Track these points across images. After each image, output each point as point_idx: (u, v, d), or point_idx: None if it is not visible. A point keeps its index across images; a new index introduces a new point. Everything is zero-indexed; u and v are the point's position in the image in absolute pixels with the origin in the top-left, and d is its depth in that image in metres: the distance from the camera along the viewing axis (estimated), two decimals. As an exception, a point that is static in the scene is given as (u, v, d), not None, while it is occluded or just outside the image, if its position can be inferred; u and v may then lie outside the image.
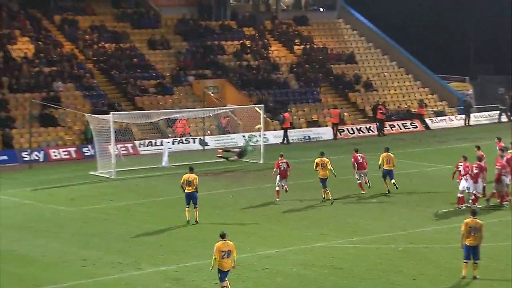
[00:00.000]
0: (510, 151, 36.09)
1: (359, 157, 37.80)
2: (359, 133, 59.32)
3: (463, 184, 33.84)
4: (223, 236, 23.17)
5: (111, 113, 44.65)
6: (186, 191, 31.99)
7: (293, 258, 27.37)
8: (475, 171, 33.83)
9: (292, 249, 28.44)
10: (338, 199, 36.37)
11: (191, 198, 31.99)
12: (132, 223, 32.52)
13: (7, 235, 30.93)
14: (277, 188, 36.39)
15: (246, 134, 49.02)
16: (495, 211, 33.67)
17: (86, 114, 47.70)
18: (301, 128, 58.78)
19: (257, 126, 47.14)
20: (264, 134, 49.57)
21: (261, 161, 46.25)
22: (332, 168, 35.83)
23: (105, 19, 62.23)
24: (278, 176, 36.24)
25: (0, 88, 52.86)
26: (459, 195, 34.06)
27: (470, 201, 33.84)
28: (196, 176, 32.23)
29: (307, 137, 57.37)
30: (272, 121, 57.47)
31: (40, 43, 57.49)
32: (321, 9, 74.25)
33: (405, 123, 61.87)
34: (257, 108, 49.40)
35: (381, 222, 32.31)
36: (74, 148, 50.05)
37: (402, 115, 62.85)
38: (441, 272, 25.74)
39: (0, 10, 58.25)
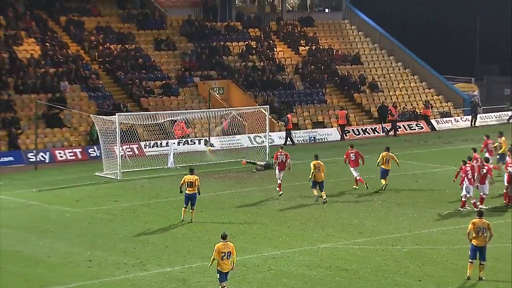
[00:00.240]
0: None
1: (351, 154, 38.10)
2: (365, 134, 59.29)
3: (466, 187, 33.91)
4: (224, 237, 23.17)
5: (117, 114, 44.69)
6: (187, 192, 32.08)
7: (298, 259, 27.37)
8: (483, 172, 33.81)
9: (297, 250, 28.44)
10: (340, 199, 36.43)
11: (190, 199, 32.12)
12: (137, 224, 32.54)
13: (12, 236, 30.97)
14: (278, 181, 36.83)
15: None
16: (502, 212, 33.64)
17: (91, 115, 47.75)
18: (306, 129, 58.78)
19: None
20: (270, 135, 49.64)
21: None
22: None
23: (110, 20, 62.27)
24: (277, 168, 36.55)
25: (6, 89, 52.92)
26: (463, 198, 34.10)
27: (468, 206, 33.92)
28: (197, 177, 32.32)
29: (313, 138, 57.35)
30: (278, 122, 57.47)
31: (46, 44, 57.53)
32: (326, 10, 74.20)
33: (411, 124, 61.83)
34: (262, 109, 49.40)
35: (386, 223, 32.29)
36: (80, 149, 50.09)
37: (407, 116, 62.82)
38: (447, 273, 25.72)
39: (6, 11, 58.32)
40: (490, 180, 34.30)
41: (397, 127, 59.82)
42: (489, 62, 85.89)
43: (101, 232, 31.35)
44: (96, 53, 58.97)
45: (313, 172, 35.46)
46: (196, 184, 32.03)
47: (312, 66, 64.63)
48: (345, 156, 38.56)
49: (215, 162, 46.53)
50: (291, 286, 24.72)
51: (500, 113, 66.87)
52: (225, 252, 22.91)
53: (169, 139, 50.17)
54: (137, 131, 49.50)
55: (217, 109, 51.63)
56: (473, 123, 63.58)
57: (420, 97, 66.50)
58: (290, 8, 73.63)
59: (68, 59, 56.82)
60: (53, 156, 48.88)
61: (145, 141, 51.23)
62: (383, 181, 38.01)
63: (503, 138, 41.21)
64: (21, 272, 26.42)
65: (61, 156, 49.16)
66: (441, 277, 25.39)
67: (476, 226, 24.89)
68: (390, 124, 59.63)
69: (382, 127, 60.07)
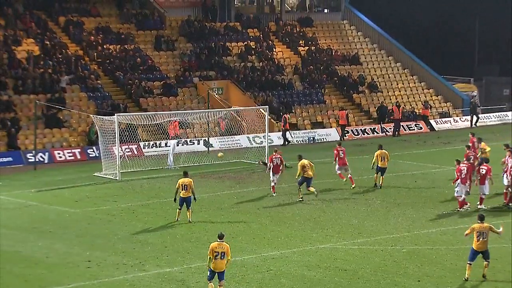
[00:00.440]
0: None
1: (340, 152, 38.26)
2: (364, 134, 59.30)
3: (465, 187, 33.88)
4: (220, 237, 23.28)
5: (116, 114, 44.70)
6: (182, 195, 32.12)
7: (297, 259, 27.36)
8: (482, 172, 33.80)
9: (296, 250, 28.43)
10: (339, 200, 36.44)
11: (185, 202, 32.16)
12: (136, 224, 32.53)
13: (12, 236, 30.95)
14: (272, 184, 37.24)
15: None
16: (501, 212, 33.63)
17: (91, 115, 47.74)
18: (305, 129, 58.78)
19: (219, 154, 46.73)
20: (269, 136, 49.63)
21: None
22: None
23: (109, 20, 62.27)
24: (271, 171, 36.94)
25: (5, 90, 52.91)
26: (459, 199, 34.08)
27: (467, 207, 33.89)
28: (191, 180, 32.36)
29: (312, 138, 57.34)
30: (277, 123, 57.48)
31: (45, 44, 57.52)
32: (326, 11, 74.23)
33: (410, 124, 61.84)
34: (261, 110, 49.40)
35: (385, 224, 32.29)
36: (79, 150, 50.09)
37: (407, 116, 62.82)
38: (446, 273, 25.72)
39: (5, 11, 58.28)
40: (489, 180, 34.27)
41: (400, 126, 59.89)
42: (488, 62, 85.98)
43: (100, 233, 31.33)
44: (95, 54, 58.99)
45: (300, 173, 35.97)
46: (191, 186, 32.06)
47: (311, 67, 64.64)
48: (335, 153, 38.82)
49: (213, 163, 46.47)
50: (290, 286, 24.71)
51: (499, 113, 66.85)
52: (218, 252, 22.96)
53: (168, 139, 50.20)
54: (136, 131, 49.50)
55: (216, 110, 51.56)
56: (473, 123, 63.53)
57: (419, 97, 66.53)
58: (289, 9, 73.64)
59: (67, 59, 56.80)
60: (52, 157, 48.88)
61: (144, 141, 51.23)
62: (376, 176, 38.13)
63: (482, 143, 40.65)
64: (21, 272, 26.40)
65: (60, 157, 49.16)
66: (440, 277, 25.38)
67: (476, 231, 24.85)
68: (393, 123, 59.63)
69: (381, 127, 60.10)
